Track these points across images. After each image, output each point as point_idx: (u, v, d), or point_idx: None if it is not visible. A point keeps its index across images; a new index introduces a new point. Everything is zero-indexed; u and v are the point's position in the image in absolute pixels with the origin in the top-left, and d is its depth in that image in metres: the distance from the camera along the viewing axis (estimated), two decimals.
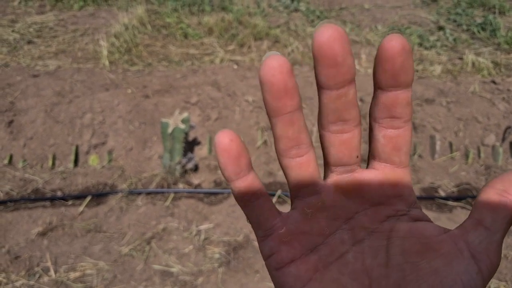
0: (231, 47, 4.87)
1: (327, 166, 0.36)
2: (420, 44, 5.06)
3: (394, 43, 0.29)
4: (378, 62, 0.31)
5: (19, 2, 6.25)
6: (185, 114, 3.02)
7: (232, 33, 5.11)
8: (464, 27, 5.64)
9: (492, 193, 0.31)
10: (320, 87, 0.32)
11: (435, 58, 4.77)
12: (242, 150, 0.34)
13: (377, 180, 0.35)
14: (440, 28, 5.56)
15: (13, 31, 5.25)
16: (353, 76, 0.31)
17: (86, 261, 2.38)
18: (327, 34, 0.29)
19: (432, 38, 5.25)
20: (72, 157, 3.30)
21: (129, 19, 5.26)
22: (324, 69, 0.30)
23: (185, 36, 5.13)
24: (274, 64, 0.30)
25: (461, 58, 4.77)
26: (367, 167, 0.37)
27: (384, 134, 0.34)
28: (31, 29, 5.34)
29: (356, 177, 0.35)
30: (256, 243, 2.52)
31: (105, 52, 4.46)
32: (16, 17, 5.67)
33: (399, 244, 0.33)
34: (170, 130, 2.96)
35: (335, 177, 0.36)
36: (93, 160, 3.33)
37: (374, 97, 0.33)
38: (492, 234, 0.31)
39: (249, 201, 0.35)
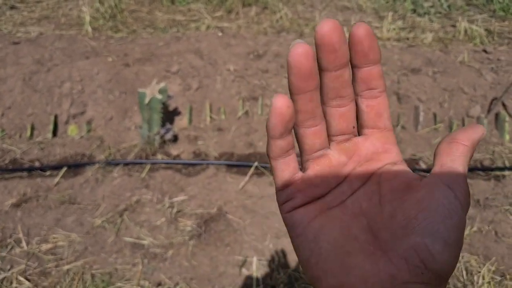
0: (218, 14, 4.74)
1: (329, 136, 0.44)
2: (414, 11, 4.93)
3: (361, 29, 0.38)
4: (351, 46, 0.39)
5: None
6: (162, 84, 2.96)
7: None
8: None
9: (445, 143, 0.41)
10: (321, 70, 0.39)
11: (427, 25, 4.64)
12: (293, 115, 0.40)
13: (368, 141, 0.43)
14: None
15: None
16: (348, 60, 0.39)
17: (59, 233, 2.38)
18: (327, 27, 0.36)
19: (426, 4, 5.10)
20: (51, 127, 3.26)
21: None
22: (325, 55, 0.37)
23: (172, 1, 5.00)
24: (301, 51, 0.36)
25: (454, 26, 4.64)
26: (359, 135, 0.45)
27: (366, 104, 0.42)
28: None
29: (353, 141, 0.44)
30: (229, 216, 2.51)
31: (87, 18, 4.35)
32: None
33: (387, 185, 0.42)
34: (147, 100, 2.91)
35: (336, 143, 0.44)
36: (72, 130, 3.30)
37: (353, 75, 0.41)
38: (456, 170, 0.39)
39: (280, 156, 0.42)
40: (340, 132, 0.43)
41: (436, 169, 0.40)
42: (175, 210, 2.51)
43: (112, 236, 2.34)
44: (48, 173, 2.95)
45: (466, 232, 2.51)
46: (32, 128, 3.26)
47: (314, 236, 0.41)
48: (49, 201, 2.62)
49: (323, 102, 0.42)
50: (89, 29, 4.27)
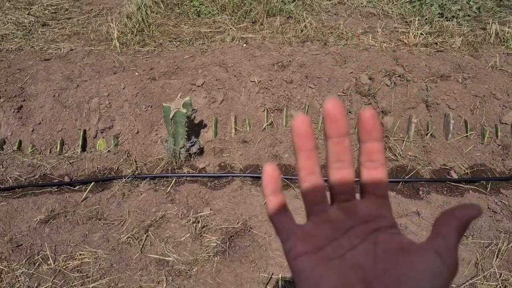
0: (243, 25, 4.76)
1: (331, 193, 0.50)
2: (441, 15, 4.80)
3: (367, 112, 0.45)
4: (359, 125, 0.46)
5: None
6: (186, 98, 2.98)
7: (245, 9, 4.98)
8: None
9: (444, 215, 0.45)
10: (326, 137, 0.46)
11: (456, 29, 4.52)
12: (279, 176, 0.49)
13: (366, 205, 0.49)
14: None
15: (29, 13, 5.29)
16: (347, 131, 0.46)
17: (85, 249, 2.41)
18: (331, 104, 0.44)
19: (454, 7, 4.97)
20: (80, 142, 3.33)
21: None
22: (329, 125, 0.45)
23: (198, 14, 5.04)
24: (301, 119, 0.46)
25: (484, 29, 4.50)
26: (360, 197, 0.50)
27: (367, 173, 0.48)
28: (46, 11, 5.37)
29: (352, 202, 0.49)
30: (253, 231, 2.49)
31: (115, 34, 4.43)
32: None
33: (382, 246, 0.46)
34: (171, 114, 2.93)
35: (337, 202, 0.49)
36: (100, 144, 3.36)
37: (359, 147, 0.48)
38: (448, 240, 0.43)
39: (277, 213, 0.50)
40: (340, 192, 0.49)
41: (431, 236, 0.45)
42: (200, 225, 2.51)
43: (137, 252, 2.36)
44: (77, 187, 3.01)
45: (504, 247, 2.41)
46: (62, 143, 3.34)
47: (315, 283, 0.46)
48: (77, 217, 2.66)
49: (327, 166, 0.48)
50: (117, 44, 4.36)
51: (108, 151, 3.27)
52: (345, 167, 0.48)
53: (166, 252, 2.35)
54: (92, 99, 3.44)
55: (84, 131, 3.38)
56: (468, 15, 4.84)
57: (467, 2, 5.09)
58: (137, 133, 3.39)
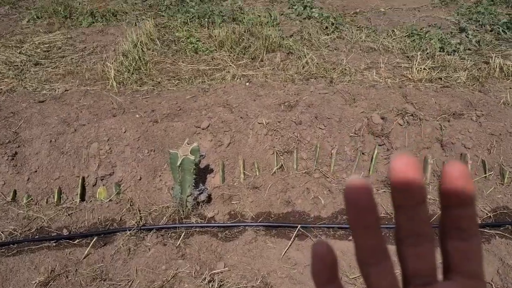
0: (242, 61, 4.66)
1: (405, 278, 0.39)
2: (442, 49, 4.77)
3: (455, 168, 0.35)
4: (442, 185, 0.36)
5: (28, 21, 6.15)
6: (194, 144, 2.82)
7: (243, 45, 4.90)
8: (488, 27, 5.33)
9: None
10: (395, 206, 0.37)
11: (458, 63, 4.47)
12: (335, 260, 0.38)
13: None
14: (462, 29, 5.26)
15: (20, 52, 5.13)
16: (424, 198, 0.36)
17: None
18: (401, 163, 0.35)
19: (454, 41, 4.95)
20: (79, 191, 3.13)
21: (138, 35, 5.09)
22: (399, 193, 0.35)
23: (196, 51, 4.94)
24: (356, 186, 0.35)
25: (487, 62, 4.47)
26: (443, 279, 0.39)
27: (453, 246, 0.37)
28: (38, 50, 5.21)
29: (433, 286, 0.37)
30: None
31: (112, 73, 4.29)
32: (24, 37, 5.56)
33: None
34: (179, 162, 2.76)
35: (412, 287, 0.38)
36: (100, 193, 3.16)
37: (442, 213, 0.37)
38: None
39: None
40: (416, 274, 0.38)
41: None
42: (216, 285, 2.31)
43: None
44: (77, 241, 2.79)
45: None
46: (59, 193, 3.13)
47: None
48: (79, 277, 2.44)
49: (398, 241, 0.38)
50: (114, 83, 4.21)
51: (110, 200, 3.07)
52: (423, 241, 0.38)
53: None
54: (91, 144, 3.26)
55: (83, 179, 3.19)
56: (469, 49, 4.82)
57: (466, 35, 5.08)
58: (140, 179, 3.20)
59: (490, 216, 2.87)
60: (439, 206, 0.37)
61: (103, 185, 3.20)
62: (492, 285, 2.34)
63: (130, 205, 3.04)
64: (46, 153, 3.25)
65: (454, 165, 0.36)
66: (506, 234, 2.72)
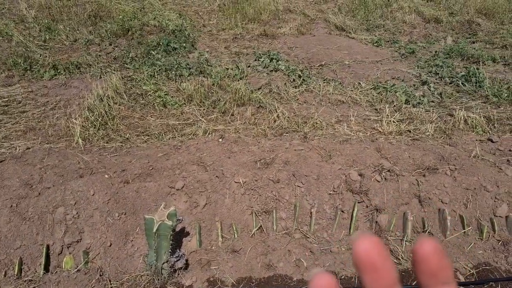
0: (213, 116, 4.60)
1: None
2: (408, 101, 4.91)
3: (427, 246, 0.34)
4: (416, 265, 0.35)
5: None
6: (171, 208, 2.68)
7: (213, 99, 4.86)
8: (447, 79, 5.56)
9: None
10: None
11: (424, 116, 4.60)
12: None
13: None
14: (424, 82, 5.46)
15: None
16: (394, 278, 0.35)
17: None
18: (364, 245, 0.33)
19: (417, 93, 5.12)
20: (42, 260, 2.88)
21: (104, 88, 4.96)
22: (367, 275, 0.34)
23: (164, 105, 4.85)
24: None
25: (451, 115, 4.61)
26: None
27: None
28: None
29: None
30: None
31: (78, 129, 4.12)
32: None
33: None
34: (155, 228, 2.60)
35: None
36: (66, 262, 2.92)
37: None
38: None
39: None
40: None
41: None
42: None
43: None
44: None
45: None
46: (20, 264, 2.87)
47: None
48: None
49: None
50: (80, 140, 4.03)
51: (77, 270, 2.84)
52: None
53: None
54: (56, 209, 3.05)
55: (48, 247, 2.95)
56: (432, 101, 4.98)
57: (428, 88, 5.27)
58: (110, 245, 3.00)
59: (473, 274, 2.84)
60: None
61: (70, 253, 2.97)
62: None
63: (100, 275, 2.82)
64: (5, 220, 3.00)
65: (425, 243, 0.35)
66: None
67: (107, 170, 3.45)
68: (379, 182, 3.23)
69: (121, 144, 4.03)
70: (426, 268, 0.35)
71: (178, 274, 2.82)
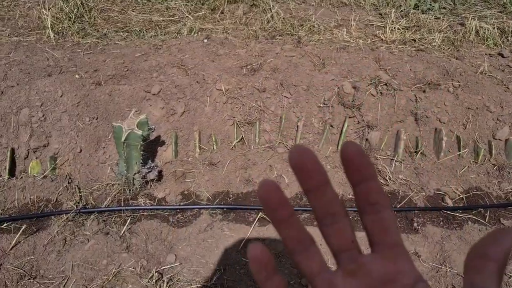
0: (201, 13, 4.17)
1: (334, 256, 0.43)
2: (417, 7, 4.45)
3: (350, 148, 0.39)
4: (343, 166, 0.40)
5: None
6: (142, 116, 2.43)
7: None
8: None
9: (475, 257, 0.37)
10: (304, 192, 0.41)
11: (433, 24, 4.18)
12: (270, 258, 0.41)
13: (378, 261, 0.41)
14: None
15: None
16: (325, 179, 0.40)
17: None
18: (298, 151, 0.39)
19: None
20: (7, 165, 2.70)
21: None
22: (301, 177, 0.40)
23: None
24: (266, 187, 0.40)
25: (462, 24, 4.19)
26: (371, 251, 0.42)
27: (369, 220, 0.41)
28: None
29: (360, 262, 0.41)
30: None
31: (49, 21, 3.72)
32: None
33: None
34: (123, 137, 2.38)
35: (342, 266, 0.42)
36: (33, 167, 2.74)
37: (353, 192, 0.41)
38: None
39: None
40: (340, 249, 0.42)
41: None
42: (165, 285, 2.02)
43: None
44: (4, 225, 2.41)
45: None
46: None
47: None
48: (4, 274, 2.09)
49: (318, 223, 0.42)
50: (51, 34, 3.66)
51: (44, 176, 2.67)
52: (338, 219, 0.42)
53: None
54: (21, 110, 2.80)
55: (12, 151, 2.75)
56: (444, 8, 4.52)
57: None
58: (80, 152, 2.80)
59: (462, 198, 2.69)
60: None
61: (36, 158, 2.78)
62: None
63: (68, 182, 2.65)
64: None
65: (349, 145, 0.39)
66: (479, 219, 2.56)
67: (78, 69, 3.14)
68: (374, 96, 2.96)
69: (97, 40, 3.67)
70: (351, 166, 0.39)
71: (151, 186, 2.65)
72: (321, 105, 2.95)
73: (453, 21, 4.28)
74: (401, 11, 4.38)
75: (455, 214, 2.59)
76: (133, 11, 4.20)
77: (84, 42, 3.63)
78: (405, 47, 3.75)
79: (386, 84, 3.00)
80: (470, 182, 2.77)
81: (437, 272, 2.22)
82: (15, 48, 3.44)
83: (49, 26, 3.68)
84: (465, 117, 2.95)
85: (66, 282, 2.05)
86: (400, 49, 3.67)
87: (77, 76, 3.05)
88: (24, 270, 2.11)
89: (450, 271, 2.20)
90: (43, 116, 2.80)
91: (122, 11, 4.21)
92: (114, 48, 3.50)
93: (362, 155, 0.39)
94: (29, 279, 2.06)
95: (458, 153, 2.88)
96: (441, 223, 2.54)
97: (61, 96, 2.87)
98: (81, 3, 4.10)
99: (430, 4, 4.47)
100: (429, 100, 2.97)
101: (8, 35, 3.71)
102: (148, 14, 4.17)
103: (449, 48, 3.79)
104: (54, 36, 3.66)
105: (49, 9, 3.94)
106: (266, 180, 0.40)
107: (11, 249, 2.24)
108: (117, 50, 3.43)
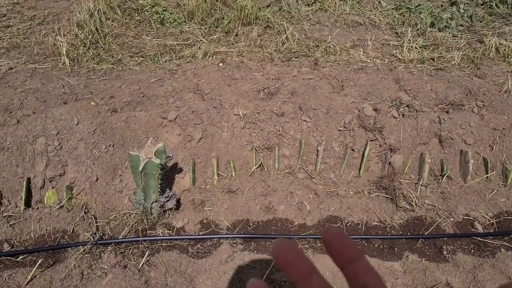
0: (215, 36, 4.15)
1: None
2: (433, 25, 4.39)
3: (329, 232, 0.41)
4: (327, 251, 0.41)
5: None
6: (159, 144, 2.37)
7: (216, 17, 4.37)
8: (480, 0, 4.95)
9: None
10: (291, 282, 0.41)
11: (451, 41, 4.11)
12: None
13: None
14: (453, 3, 4.87)
15: None
16: (310, 268, 0.41)
17: None
18: (280, 247, 0.40)
19: (445, 15, 4.56)
20: (23, 195, 2.66)
21: (95, 2, 4.48)
22: (286, 270, 0.41)
23: (162, 22, 4.39)
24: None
25: (481, 41, 4.12)
26: None
27: None
28: None
29: None
30: None
31: (64, 48, 3.72)
32: None
33: None
34: (141, 166, 2.32)
35: None
36: (49, 197, 2.69)
37: (344, 275, 0.41)
38: None
39: None
40: None
41: None
42: None
43: None
44: (20, 258, 2.35)
45: None
46: (0, 198, 2.65)
47: None
48: None
49: None
50: (67, 60, 3.65)
51: (60, 206, 2.61)
52: None
53: None
54: (37, 139, 2.76)
55: (28, 180, 2.71)
56: (461, 25, 4.45)
57: (457, 9, 4.70)
58: (97, 180, 2.75)
59: (493, 223, 2.57)
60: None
61: (53, 187, 2.73)
62: None
63: (85, 212, 2.60)
64: None
65: (330, 230, 0.41)
66: (510, 245, 2.43)
67: (94, 96, 3.11)
68: (396, 118, 2.87)
69: (112, 66, 3.65)
70: (334, 250, 0.40)
71: (169, 215, 2.58)
72: (341, 128, 2.87)
73: (472, 38, 4.20)
74: (417, 29, 4.32)
75: (486, 240, 2.48)
76: (147, 36, 4.20)
77: (99, 68, 3.62)
78: (424, 66, 3.67)
79: (408, 106, 2.92)
80: (500, 206, 2.65)
81: None
82: (31, 76, 3.44)
83: (64, 53, 3.68)
84: (491, 138, 2.85)
85: None
86: (418, 69, 3.60)
87: (92, 103, 3.02)
88: None
89: None
90: (59, 145, 2.76)
91: (136, 36, 4.20)
92: (129, 73, 3.48)
93: (343, 238, 0.40)
94: None
95: (486, 175, 2.77)
96: (472, 250, 2.42)
97: (77, 124, 2.83)
98: (95, 29, 4.11)
99: (447, 22, 4.40)
100: (453, 121, 2.88)
101: (24, 63, 3.71)
102: (163, 38, 4.16)
103: (469, 67, 3.71)
104: (69, 63, 3.65)
105: (64, 36, 3.95)
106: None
107: (27, 283, 2.17)
108: (133, 75, 3.40)
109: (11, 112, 2.97)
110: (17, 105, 3.03)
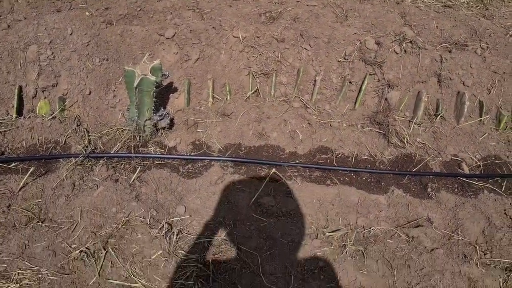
0: None
1: None
2: None
3: None
4: None
5: None
6: (156, 61, 2.32)
7: None
8: None
9: None
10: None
11: None
12: None
13: None
14: None
15: None
16: None
17: (25, 266, 1.86)
18: None
19: None
20: (15, 103, 2.62)
21: None
22: None
23: None
24: None
25: None
26: None
27: None
28: None
29: None
30: (242, 247, 2.02)
31: None
32: None
33: None
34: (136, 82, 2.28)
35: None
36: (41, 107, 2.67)
37: None
38: None
39: None
40: None
41: None
42: (174, 237, 2.00)
43: (94, 276, 1.84)
44: (12, 165, 2.37)
45: None
46: None
47: None
48: (13, 216, 2.07)
49: None
50: None
51: (53, 117, 2.59)
52: None
53: (131, 276, 1.85)
54: (29, 47, 2.68)
55: (20, 88, 2.66)
56: None
57: None
58: (90, 94, 2.71)
59: (479, 166, 2.62)
60: None
61: (45, 98, 2.70)
62: (476, 247, 2.14)
63: (77, 125, 2.59)
64: None
65: None
66: (495, 188, 2.50)
67: (88, 6, 2.99)
68: (397, 54, 2.82)
69: None
70: None
71: (162, 134, 2.59)
72: (341, 59, 2.82)
73: None
74: None
75: (471, 181, 2.54)
76: None
77: None
78: (432, 2, 3.55)
79: (411, 42, 2.86)
80: (489, 150, 2.69)
81: (448, 239, 2.19)
82: None
83: None
84: (490, 82, 2.82)
85: (74, 228, 2.03)
86: (426, 4, 3.48)
87: (87, 13, 2.91)
88: (32, 213, 2.08)
89: (462, 239, 2.17)
90: (52, 54, 2.68)
91: None
92: None
93: None
94: (38, 222, 2.04)
95: (480, 118, 2.78)
96: (456, 190, 2.49)
97: (71, 34, 2.74)
98: None
99: None
100: (455, 61, 2.83)
101: None
102: None
103: (477, 6, 3.59)
104: None
105: None
106: None
107: (20, 190, 2.21)
108: None
109: (1, 16, 2.85)
110: (7, 8, 2.91)
